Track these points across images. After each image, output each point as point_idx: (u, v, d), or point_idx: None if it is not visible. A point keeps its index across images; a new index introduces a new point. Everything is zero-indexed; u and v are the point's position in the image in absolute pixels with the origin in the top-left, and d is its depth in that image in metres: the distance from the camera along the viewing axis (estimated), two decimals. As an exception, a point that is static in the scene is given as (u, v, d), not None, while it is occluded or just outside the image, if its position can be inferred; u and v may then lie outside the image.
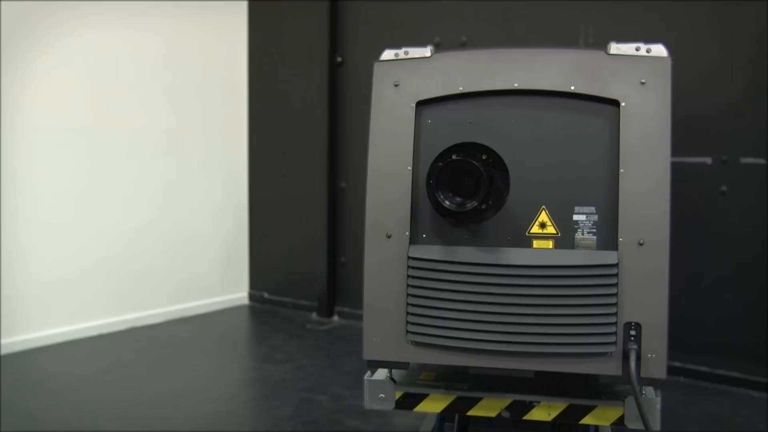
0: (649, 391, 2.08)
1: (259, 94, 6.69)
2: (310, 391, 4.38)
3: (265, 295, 6.80)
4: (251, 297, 6.89)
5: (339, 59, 6.20)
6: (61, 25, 5.27)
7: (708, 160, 4.48)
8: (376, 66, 2.20)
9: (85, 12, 5.39)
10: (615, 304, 2.00)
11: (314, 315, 6.41)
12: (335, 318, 6.33)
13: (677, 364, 4.49)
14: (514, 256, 2.06)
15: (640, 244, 2.00)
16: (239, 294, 6.86)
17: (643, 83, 2.05)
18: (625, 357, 1.99)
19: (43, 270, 5.26)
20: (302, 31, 6.39)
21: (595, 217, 2.05)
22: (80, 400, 4.20)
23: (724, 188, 4.45)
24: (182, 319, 6.23)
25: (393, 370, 2.22)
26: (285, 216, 6.62)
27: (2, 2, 4.83)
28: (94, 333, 5.60)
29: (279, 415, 4.00)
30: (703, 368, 4.53)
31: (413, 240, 2.13)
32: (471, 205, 1.98)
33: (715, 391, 4.42)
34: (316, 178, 6.23)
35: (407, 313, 2.11)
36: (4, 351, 4.97)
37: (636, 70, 2.06)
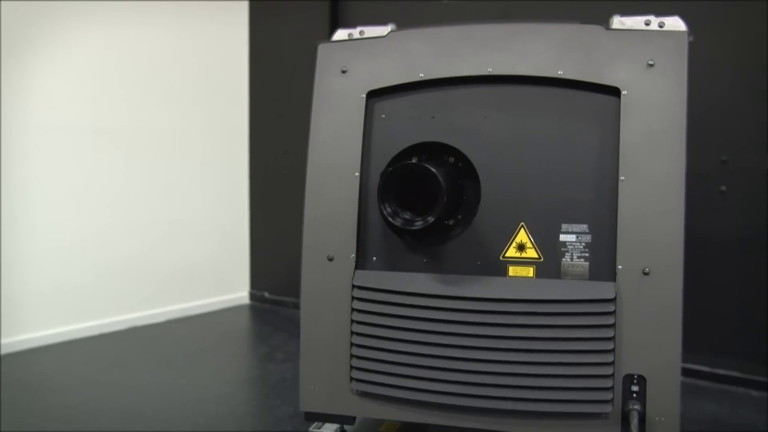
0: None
1: (259, 93, 6.30)
2: (311, 391, 3.91)
3: (266, 294, 6.39)
4: (252, 297, 6.51)
5: (338, 59, 5.68)
6: (61, 25, 4.91)
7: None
8: (320, 48, 1.65)
9: (85, 12, 5.03)
10: (612, 351, 1.43)
11: (313, 315, 5.91)
12: (334, 319, 5.82)
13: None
14: (485, 286, 1.49)
15: (645, 274, 1.43)
16: (240, 294, 6.49)
17: (650, 65, 1.47)
18: (625, 419, 1.41)
19: (43, 270, 4.92)
20: (302, 31, 5.96)
21: (588, 238, 1.48)
22: (80, 399, 3.89)
23: (723, 188, 4.04)
24: (183, 318, 5.84)
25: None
26: (286, 216, 6.17)
27: (2, 2, 4.49)
28: (95, 333, 5.23)
29: (279, 415, 3.62)
30: (703, 368, 4.14)
31: (360, 264, 1.57)
32: (420, 223, 1.41)
33: (715, 391, 4.07)
34: (316, 179, 5.73)
35: (351, 356, 1.55)
36: (4, 351, 4.64)
37: (642, 48, 1.48)
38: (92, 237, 5.20)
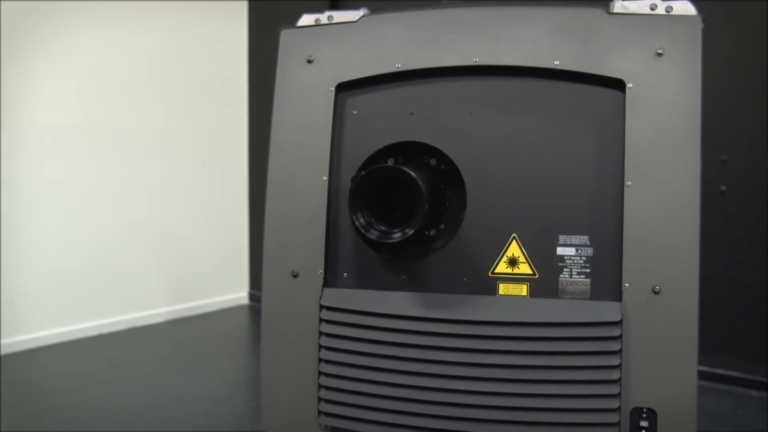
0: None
1: (259, 94, 6.14)
2: (309, 390, 3.75)
3: (266, 294, 6.18)
4: (251, 297, 6.39)
5: (337, 58, 5.50)
6: (61, 26, 4.79)
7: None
8: (283, 35, 1.42)
9: (85, 12, 4.91)
10: (618, 381, 1.21)
11: (313, 315, 5.74)
12: (333, 319, 5.64)
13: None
14: (471, 307, 1.26)
15: (655, 293, 1.20)
16: (239, 294, 6.37)
17: (659, 54, 1.24)
18: (633, 461, 1.19)
19: (44, 270, 4.82)
20: (302, 31, 5.76)
21: (589, 251, 1.25)
22: (80, 399, 3.82)
23: (723, 188, 3.95)
24: (182, 319, 5.70)
25: None
26: (285, 216, 5.97)
27: (2, 2, 4.38)
28: (94, 333, 5.11)
29: (279, 415, 3.42)
30: (703, 367, 4.03)
31: (329, 281, 1.34)
32: (398, 235, 1.18)
33: (714, 391, 4.00)
34: (315, 178, 5.57)
35: (319, 386, 1.32)
36: (4, 351, 4.54)
37: (649, 35, 1.25)
38: (92, 237, 5.07)
